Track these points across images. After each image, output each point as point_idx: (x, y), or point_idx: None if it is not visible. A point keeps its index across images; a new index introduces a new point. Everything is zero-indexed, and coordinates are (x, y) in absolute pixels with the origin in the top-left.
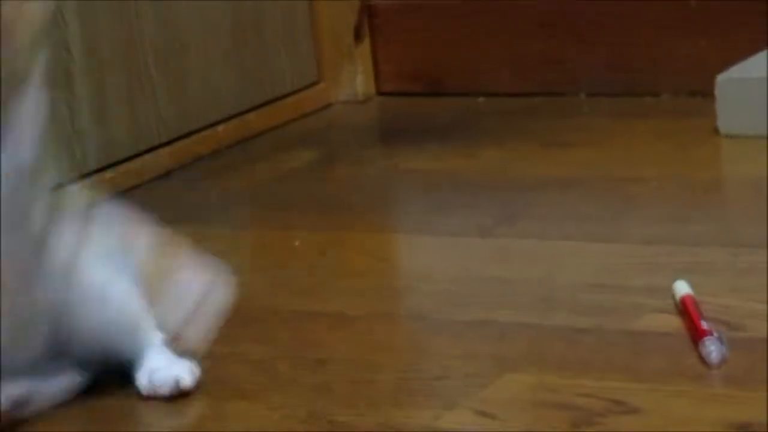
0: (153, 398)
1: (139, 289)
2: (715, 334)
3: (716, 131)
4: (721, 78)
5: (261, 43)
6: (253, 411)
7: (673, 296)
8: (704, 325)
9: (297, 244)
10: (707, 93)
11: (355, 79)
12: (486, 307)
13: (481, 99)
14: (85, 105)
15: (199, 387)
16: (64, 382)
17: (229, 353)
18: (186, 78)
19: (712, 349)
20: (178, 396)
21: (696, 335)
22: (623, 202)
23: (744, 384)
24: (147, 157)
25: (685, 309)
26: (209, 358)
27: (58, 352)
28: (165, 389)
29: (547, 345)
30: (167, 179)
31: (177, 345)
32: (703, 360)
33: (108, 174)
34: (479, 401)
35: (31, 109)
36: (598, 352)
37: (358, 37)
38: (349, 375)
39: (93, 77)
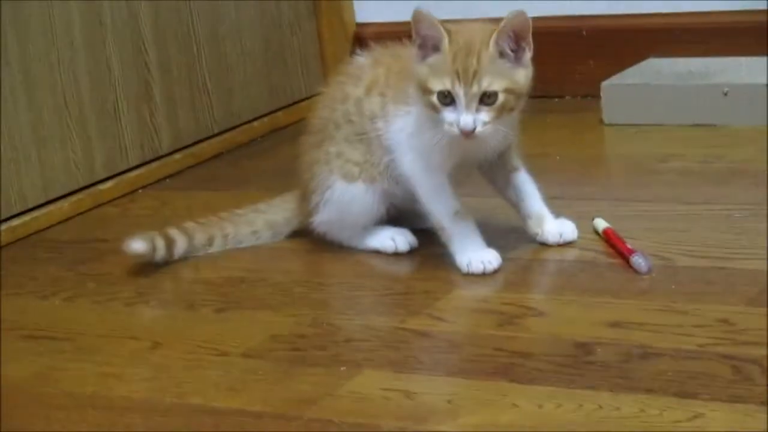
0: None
1: None
2: (638, 251)
3: (601, 122)
4: (605, 84)
5: (285, 65)
6: (273, 318)
7: (595, 231)
8: (629, 245)
9: None
10: (596, 95)
11: None
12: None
13: None
14: (161, 108)
15: (236, 302)
16: None
17: (257, 278)
18: (231, 89)
19: (641, 261)
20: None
21: (625, 253)
22: (534, 170)
23: (617, 294)
24: (204, 143)
25: (608, 238)
26: (244, 281)
27: None
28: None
29: None
30: (219, 159)
31: None
32: (635, 271)
33: (176, 156)
34: (434, 309)
35: None
36: (516, 273)
37: None
38: (342, 293)
39: (166, 88)
